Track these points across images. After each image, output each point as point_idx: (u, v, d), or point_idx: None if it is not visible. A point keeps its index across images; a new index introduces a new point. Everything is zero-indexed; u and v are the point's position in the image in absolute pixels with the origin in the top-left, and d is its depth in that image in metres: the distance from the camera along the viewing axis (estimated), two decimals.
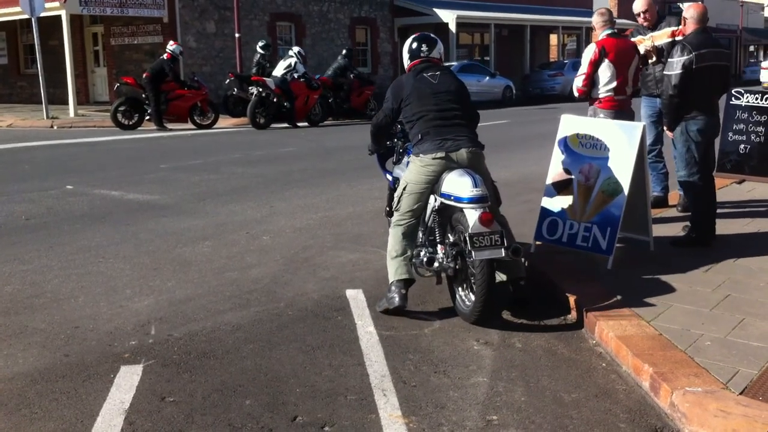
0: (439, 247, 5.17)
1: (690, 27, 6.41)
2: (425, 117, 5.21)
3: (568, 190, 6.17)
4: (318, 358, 4.44)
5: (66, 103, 22.50)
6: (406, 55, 5.56)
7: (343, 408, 3.80)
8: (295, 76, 19.02)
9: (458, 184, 4.94)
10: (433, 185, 5.16)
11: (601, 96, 6.98)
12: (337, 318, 5.11)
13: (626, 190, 5.86)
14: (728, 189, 8.95)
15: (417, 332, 4.83)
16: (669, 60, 6.31)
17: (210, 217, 8.30)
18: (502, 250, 4.67)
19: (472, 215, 4.76)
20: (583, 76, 6.96)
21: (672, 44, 6.84)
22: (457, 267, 4.98)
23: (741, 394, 3.71)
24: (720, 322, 4.69)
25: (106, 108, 21.45)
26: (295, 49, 20.01)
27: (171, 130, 18.11)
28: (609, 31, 7.00)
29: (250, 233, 7.54)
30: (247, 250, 6.90)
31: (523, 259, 5.24)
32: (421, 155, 5.15)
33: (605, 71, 6.91)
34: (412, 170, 5.23)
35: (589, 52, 6.95)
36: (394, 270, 5.14)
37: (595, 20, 7.15)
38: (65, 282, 5.95)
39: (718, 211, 6.78)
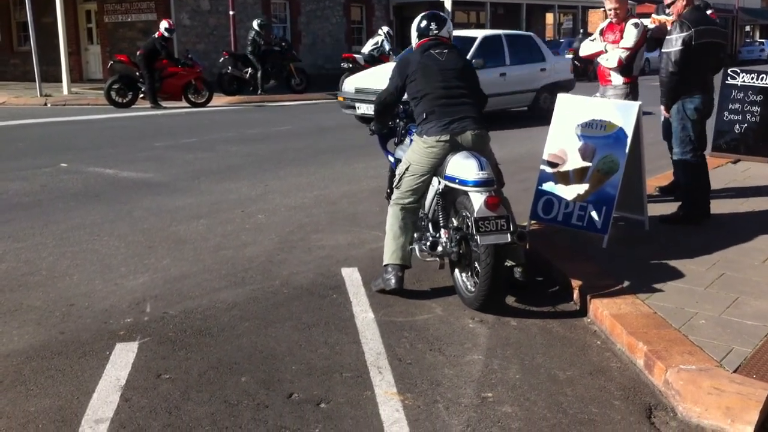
0: (442, 231, 5.08)
1: (683, 4, 6.35)
2: (431, 95, 5.04)
3: (563, 169, 6.17)
4: (313, 335, 4.44)
5: (59, 80, 22.35)
6: (414, 33, 5.37)
7: (338, 385, 3.81)
8: (386, 50, 21.12)
9: (463, 167, 4.78)
10: (436, 167, 5.02)
11: (635, 74, 7.10)
12: (332, 296, 5.12)
13: (622, 170, 5.86)
14: (723, 168, 8.97)
15: (412, 310, 4.84)
16: (667, 38, 6.29)
17: (204, 196, 8.29)
18: (509, 235, 4.54)
19: (477, 199, 4.61)
20: (628, 52, 6.95)
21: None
22: (460, 252, 4.88)
23: (735, 372, 3.73)
24: (714, 300, 4.71)
25: (100, 86, 21.30)
26: (384, 29, 21.98)
27: (165, 108, 18.01)
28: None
29: (244, 211, 7.53)
30: (242, 228, 6.89)
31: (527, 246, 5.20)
32: (425, 136, 5.00)
33: (642, 51, 7.10)
34: (416, 150, 5.08)
35: (636, 31, 6.90)
36: (391, 253, 5.07)
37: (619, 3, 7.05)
38: (60, 260, 5.94)
39: (713, 190, 6.78)
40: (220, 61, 21.65)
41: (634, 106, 6.00)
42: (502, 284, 4.77)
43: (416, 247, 5.14)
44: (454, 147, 4.95)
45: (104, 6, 25.78)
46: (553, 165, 6.24)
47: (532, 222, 6.34)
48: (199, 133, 13.75)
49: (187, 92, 18.44)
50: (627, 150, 5.86)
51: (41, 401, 3.66)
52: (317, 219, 7.20)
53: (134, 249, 6.23)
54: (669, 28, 6.47)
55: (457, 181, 4.81)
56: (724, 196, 7.42)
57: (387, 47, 21.14)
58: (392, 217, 5.15)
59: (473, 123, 5.01)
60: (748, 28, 62.62)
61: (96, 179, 9.25)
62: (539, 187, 6.28)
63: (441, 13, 5.50)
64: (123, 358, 4.12)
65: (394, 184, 5.23)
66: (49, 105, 19.40)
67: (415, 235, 5.20)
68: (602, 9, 7.54)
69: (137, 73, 18.13)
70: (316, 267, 5.74)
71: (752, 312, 4.51)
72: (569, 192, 6.09)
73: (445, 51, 5.19)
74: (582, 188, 6.02)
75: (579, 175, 6.07)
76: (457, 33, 13.40)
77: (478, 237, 4.53)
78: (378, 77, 13.60)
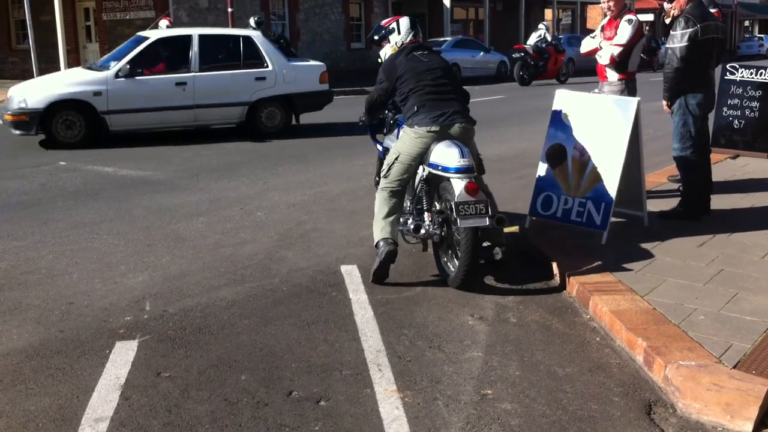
0: (426, 215, 5.37)
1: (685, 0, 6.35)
2: (421, 91, 5.34)
3: (562, 165, 6.17)
4: (313, 333, 4.44)
5: None
6: (396, 38, 5.71)
7: (338, 383, 3.81)
8: (549, 39, 24.96)
9: (446, 155, 5.09)
10: (422, 156, 5.30)
11: (631, 70, 7.10)
12: (332, 293, 5.12)
13: (621, 166, 5.85)
14: (722, 164, 8.97)
15: (412, 307, 4.84)
16: (672, 33, 6.27)
17: (204, 193, 8.28)
18: (487, 218, 4.85)
19: (458, 184, 4.93)
20: (622, 49, 6.94)
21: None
22: (443, 234, 5.20)
23: (734, 367, 3.73)
24: (713, 296, 4.71)
25: None
26: (545, 22, 26.27)
27: None
28: (626, 7, 7.10)
29: (244, 209, 7.52)
30: (241, 225, 6.89)
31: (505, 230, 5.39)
32: (415, 126, 5.27)
33: (640, 47, 7.08)
34: (405, 141, 5.35)
35: (631, 28, 6.90)
36: (380, 230, 5.30)
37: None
38: (59, 258, 5.94)
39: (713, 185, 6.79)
40: None
41: (633, 101, 6.00)
42: (479, 265, 5.08)
43: (402, 231, 5.42)
44: (441, 137, 5.24)
45: (102, 3, 25.73)
46: (552, 161, 6.23)
47: (532, 218, 6.34)
48: (198, 130, 13.73)
49: None
50: (626, 146, 5.86)
51: (41, 400, 3.66)
52: (316, 216, 7.20)
53: (133, 247, 6.23)
54: (667, 20, 6.49)
55: (440, 168, 5.11)
56: (724, 191, 7.42)
57: (549, 38, 24.85)
58: (380, 200, 5.40)
59: (461, 117, 5.35)
60: (747, 23, 62.60)
61: (95, 177, 9.24)
62: (538, 184, 6.28)
63: (416, 19, 5.92)
64: (123, 356, 4.12)
65: (383, 173, 5.48)
66: None
67: (401, 219, 5.45)
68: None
69: None
70: (315, 264, 5.74)
71: (751, 308, 4.51)
72: (568, 188, 6.09)
73: (426, 53, 5.59)
74: (581, 184, 6.02)
75: (578, 171, 6.06)
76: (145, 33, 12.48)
77: (458, 220, 4.84)
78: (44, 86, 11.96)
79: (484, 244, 5.15)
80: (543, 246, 5.77)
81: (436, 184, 5.29)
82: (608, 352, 4.21)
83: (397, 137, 5.67)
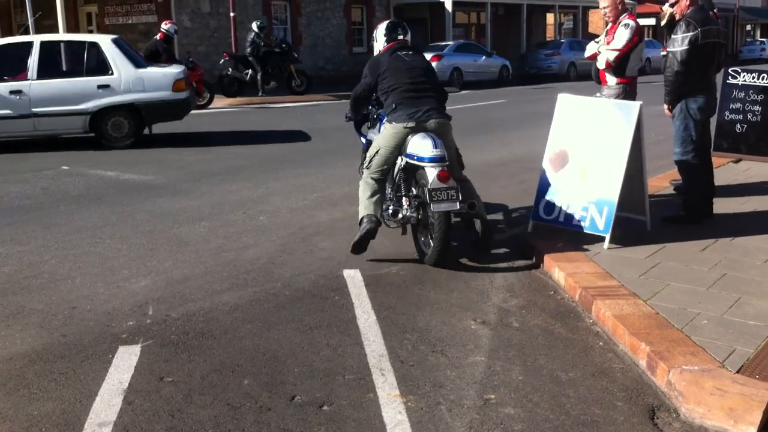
0: (404, 200, 5.89)
1: (686, 4, 6.36)
2: (400, 88, 5.86)
3: (565, 169, 6.17)
4: (316, 338, 4.44)
5: None
6: (382, 39, 6.23)
7: (341, 387, 3.81)
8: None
9: (421, 146, 5.62)
10: (400, 148, 5.83)
11: (629, 75, 7.08)
12: (334, 298, 5.12)
13: (623, 170, 5.85)
14: (725, 168, 8.96)
15: (415, 312, 4.84)
16: (673, 37, 6.28)
17: (206, 197, 8.29)
18: (458, 203, 5.40)
19: (431, 172, 5.46)
20: (618, 53, 6.96)
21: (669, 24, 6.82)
22: (419, 217, 5.74)
23: (737, 372, 3.72)
24: (717, 300, 4.70)
25: None
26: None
27: None
28: (628, 12, 7.09)
29: (246, 213, 7.53)
30: (243, 230, 6.90)
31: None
32: (394, 122, 5.81)
33: (640, 51, 7.07)
34: (385, 135, 5.89)
35: (629, 32, 6.92)
36: (364, 208, 5.81)
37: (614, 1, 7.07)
38: (62, 262, 5.94)
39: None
40: (221, 62, 21.67)
41: (635, 106, 6.00)
42: (451, 246, 5.69)
43: (383, 215, 5.88)
44: (417, 132, 5.75)
45: (105, 8, 25.80)
46: (554, 165, 6.24)
47: (534, 222, 6.33)
48: (200, 134, 13.76)
49: None
50: (628, 150, 5.86)
51: (44, 405, 3.66)
52: (318, 220, 7.20)
53: (136, 251, 6.24)
54: (663, 22, 6.51)
55: (415, 158, 5.65)
56: (726, 195, 7.41)
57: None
58: (364, 185, 5.94)
59: (437, 113, 5.85)
60: (748, 27, 62.62)
61: (97, 182, 9.26)
62: (540, 188, 6.28)
63: (403, 22, 6.42)
64: (125, 361, 4.12)
65: (366, 164, 6.02)
66: None
67: (383, 206, 5.93)
68: None
69: None
70: (318, 269, 5.74)
71: (754, 312, 4.51)
72: (571, 192, 6.09)
73: (410, 53, 6.09)
74: (583, 189, 6.02)
75: (580, 176, 6.06)
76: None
77: (432, 205, 5.37)
78: None
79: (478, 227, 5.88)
80: (545, 250, 5.76)
81: (412, 172, 5.79)
82: (611, 356, 4.21)
83: (379, 131, 6.17)
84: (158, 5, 24.47)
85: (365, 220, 5.72)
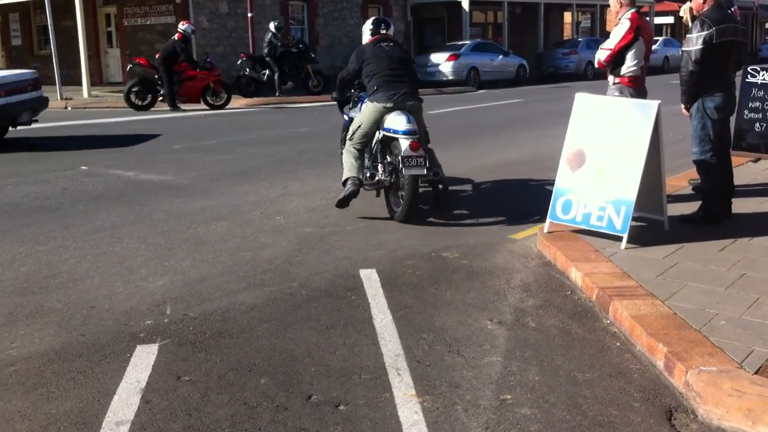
0: (379, 166, 7.12)
1: (707, 2, 6.32)
2: (380, 73, 7.04)
3: (582, 169, 6.14)
4: (332, 337, 4.45)
5: (79, 84, 22.56)
6: (367, 32, 7.45)
7: (357, 387, 3.82)
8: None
9: (396, 121, 6.88)
10: (379, 123, 7.03)
11: (626, 74, 6.95)
12: (350, 298, 5.13)
13: (641, 169, 5.82)
14: (744, 167, 8.89)
15: (431, 312, 4.84)
16: (687, 36, 6.24)
17: (224, 198, 8.32)
18: (425, 169, 6.69)
19: (404, 143, 6.73)
20: (609, 52, 6.91)
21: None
22: (392, 180, 6.95)
23: (756, 373, 3.69)
24: (735, 301, 4.67)
25: (120, 89, 21.45)
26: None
27: (184, 110, 18.13)
28: (634, 9, 6.96)
29: (263, 213, 7.55)
30: (261, 230, 6.92)
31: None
32: (375, 102, 7.02)
33: (639, 50, 6.91)
34: (366, 113, 7.11)
35: (623, 30, 6.85)
36: (348, 170, 7.02)
37: None
38: (81, 262, 5.99)
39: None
40: (238, 63, 21.74)
41: (653, 105, 5.96)
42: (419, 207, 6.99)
43: (361, 180, 6.99)
44: (394, 110, 6.93)
45: (123, 9, 25.97)
46: (571, 165, 6.21)
47: (551, 222, 6.31)
48: (218, 135, 13.82)
49: (206, 95, 18.53)
50: (646, 149, 5.83)
51: (62, 403, 3.69)
52: (336, 220, 7.21)
53: (154, 251, 6.27)
54: (685, 18, 6.43)
55: (391, 131, 6.90)
56: (745, 195, 7.35)
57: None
58: (347, 153, 7.18)
59: (411, 97, 7.10)
60: (767, 25, 62.05)
61: (116, 182, 9.31)
62: (558, 188, 6.26)
63: (387, 18, 7.84)
64: (143, 360, 4.15)
65: (348, 136, 7.25)
66: (69, 108, 19.57)
67: (362, 168, 7.10)
68: None
69: (156, 76, 18.25)
70: (334, 268, 5.75)
71: None
72: (588, 192, 6.06)
73: (391, 45, 7.30)
74: (601, 188, 5.99)
75: (598, 175, 6.04)
76: None
77: (404, 169, 6.63)
78: None
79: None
80: (562, 250, 5.75)
81: (388, 144, 7.02)
82: (628, 357, 4.19)
83: (360, 110, 7.37)
84: (177, 6, 24.60)
85: (349, 182, 6.93)
